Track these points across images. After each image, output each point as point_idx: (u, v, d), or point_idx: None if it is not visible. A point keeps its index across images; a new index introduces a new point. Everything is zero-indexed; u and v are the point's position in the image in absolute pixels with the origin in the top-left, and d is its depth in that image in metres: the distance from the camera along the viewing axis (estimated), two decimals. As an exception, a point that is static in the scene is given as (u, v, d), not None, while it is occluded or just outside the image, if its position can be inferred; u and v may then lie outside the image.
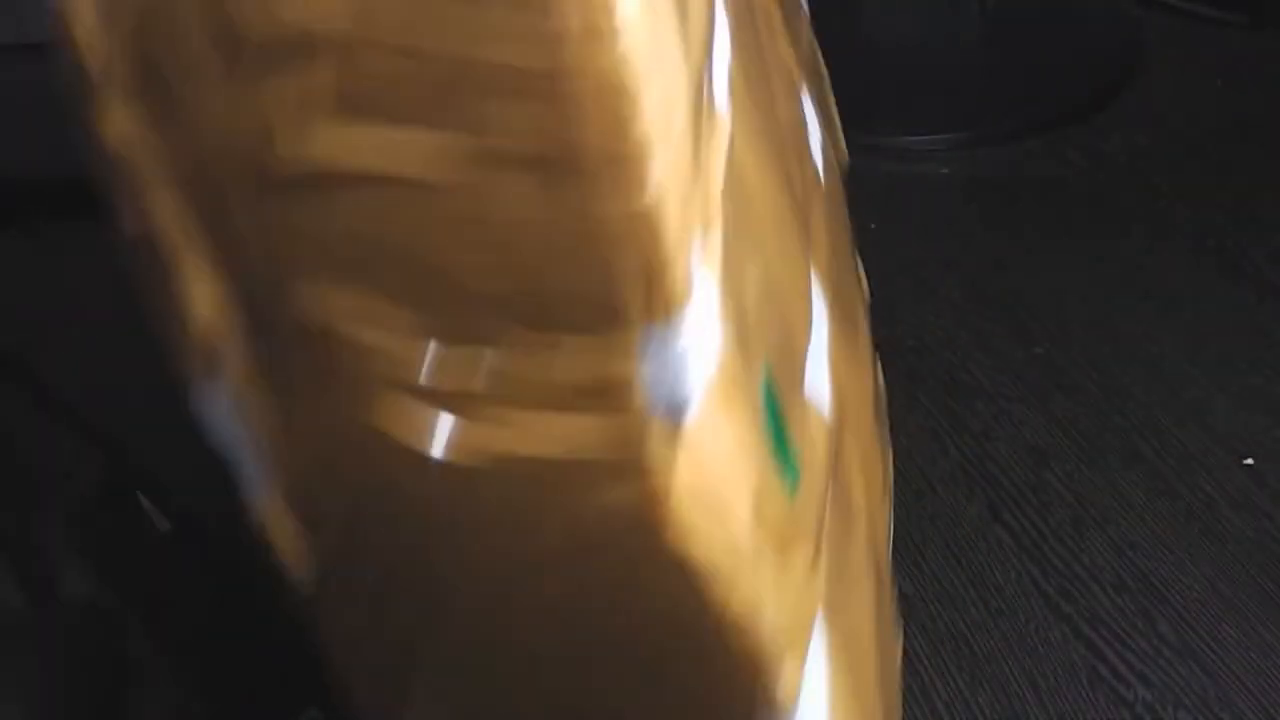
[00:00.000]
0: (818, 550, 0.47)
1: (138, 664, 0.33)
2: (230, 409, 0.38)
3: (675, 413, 0.37)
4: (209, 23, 0.34)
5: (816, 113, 0.71)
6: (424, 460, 0.37)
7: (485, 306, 0.36)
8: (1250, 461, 1.04)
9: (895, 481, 1.04)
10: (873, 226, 1.24)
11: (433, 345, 0.37)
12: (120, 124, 0.36)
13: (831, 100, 0.83)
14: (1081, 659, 0.91)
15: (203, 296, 0.38)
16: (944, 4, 1.59)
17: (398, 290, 0.36)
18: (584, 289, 0.35)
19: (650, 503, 0.38)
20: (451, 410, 0.37)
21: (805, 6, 0.80)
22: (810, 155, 0.65)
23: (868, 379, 0.72)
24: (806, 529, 0.46)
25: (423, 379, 0.36)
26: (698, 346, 0.37)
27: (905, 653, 0.93)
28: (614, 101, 0.33)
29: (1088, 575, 0.97)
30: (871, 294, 0.86)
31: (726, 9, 0.46)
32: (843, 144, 0.84)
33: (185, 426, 0.37)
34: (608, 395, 0.36)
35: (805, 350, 0.53)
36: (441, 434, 0.37)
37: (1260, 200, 1.32)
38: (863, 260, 0.94)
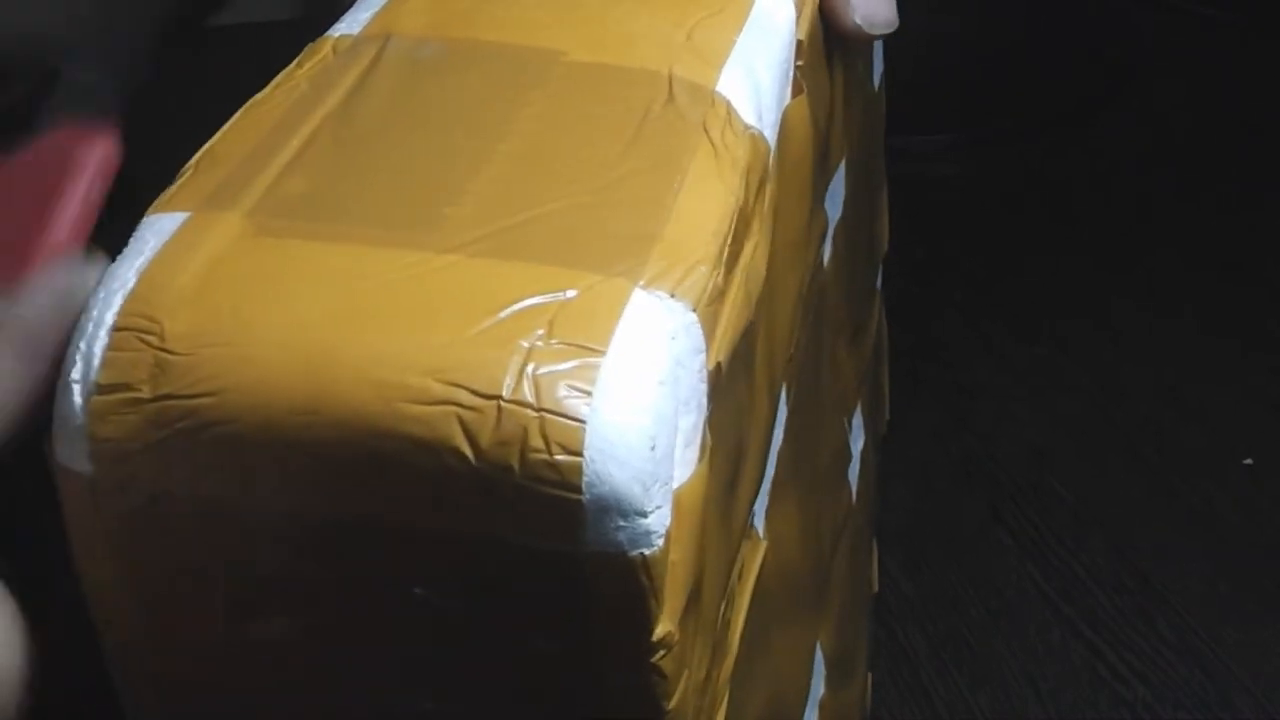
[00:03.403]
0: None
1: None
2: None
3: None
4: None
5: (865, 426, 0.70)
6: None
7: None
8: (1250, 461, 1.05)
9: (895, 482, 1.04)
10: (873, 226, 1.24)
11: None
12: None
13: (885, 376, 0.80)
14: (1081, 659, 0.91)
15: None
16: (945, 4, 1.59)
17: None
18: None
19: None
20: None
21: (878, 285, 0.76)
22: (847, 484, 0.64)
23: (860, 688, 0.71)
24: None
25: None
26: None
27: (905, 652, 0.93)
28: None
29: (1087, 576, 0.97)
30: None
31: (790, 386, 0.45)
32: (886, 411, 0.82)
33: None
34: None
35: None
36: None
37: (1260, 200, 1.33)
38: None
